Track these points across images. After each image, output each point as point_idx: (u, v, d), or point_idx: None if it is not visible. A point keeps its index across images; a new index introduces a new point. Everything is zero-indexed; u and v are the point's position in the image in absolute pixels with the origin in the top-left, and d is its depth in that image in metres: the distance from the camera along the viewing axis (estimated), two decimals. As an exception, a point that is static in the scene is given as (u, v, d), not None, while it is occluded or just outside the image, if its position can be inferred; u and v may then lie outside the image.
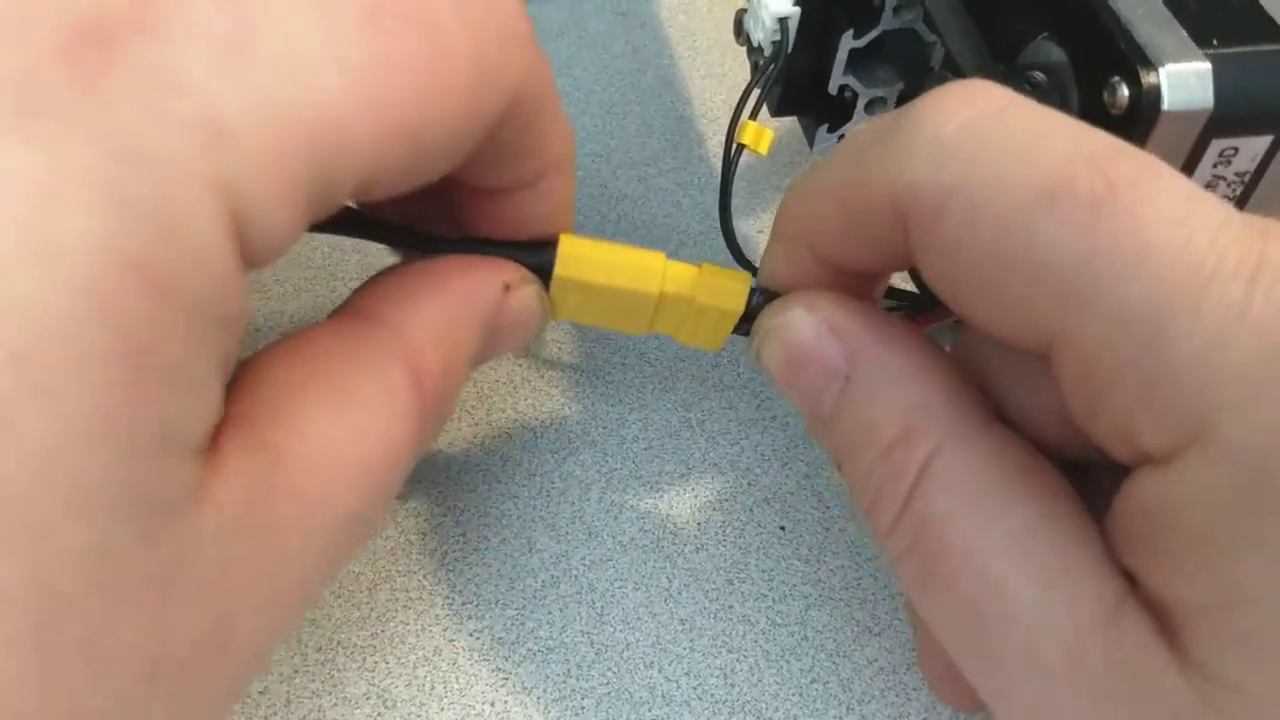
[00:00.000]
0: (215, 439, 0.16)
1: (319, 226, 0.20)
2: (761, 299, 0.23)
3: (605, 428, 0.30)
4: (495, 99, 0.18)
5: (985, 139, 0.17)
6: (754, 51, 0.30)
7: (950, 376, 0.20)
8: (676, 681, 0.26)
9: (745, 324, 0.24)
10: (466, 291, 0.21)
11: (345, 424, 0.18)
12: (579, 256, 0.23)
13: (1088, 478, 0.20)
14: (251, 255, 0.15)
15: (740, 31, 0.30)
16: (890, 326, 0.21)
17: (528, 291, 0.22)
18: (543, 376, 0.31)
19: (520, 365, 0.31)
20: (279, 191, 0.15)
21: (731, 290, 0.23)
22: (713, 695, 0.26)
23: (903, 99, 0.30)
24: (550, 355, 0.32)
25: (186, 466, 0.15)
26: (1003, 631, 0.18)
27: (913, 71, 0.29)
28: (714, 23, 0.42)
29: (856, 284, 0.22)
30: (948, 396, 0.19)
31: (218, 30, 0.14)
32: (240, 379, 0.18)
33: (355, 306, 0.21)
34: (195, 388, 0.15)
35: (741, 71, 0.39)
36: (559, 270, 0.23)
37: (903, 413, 0.19)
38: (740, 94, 0.29)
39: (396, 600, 0.27)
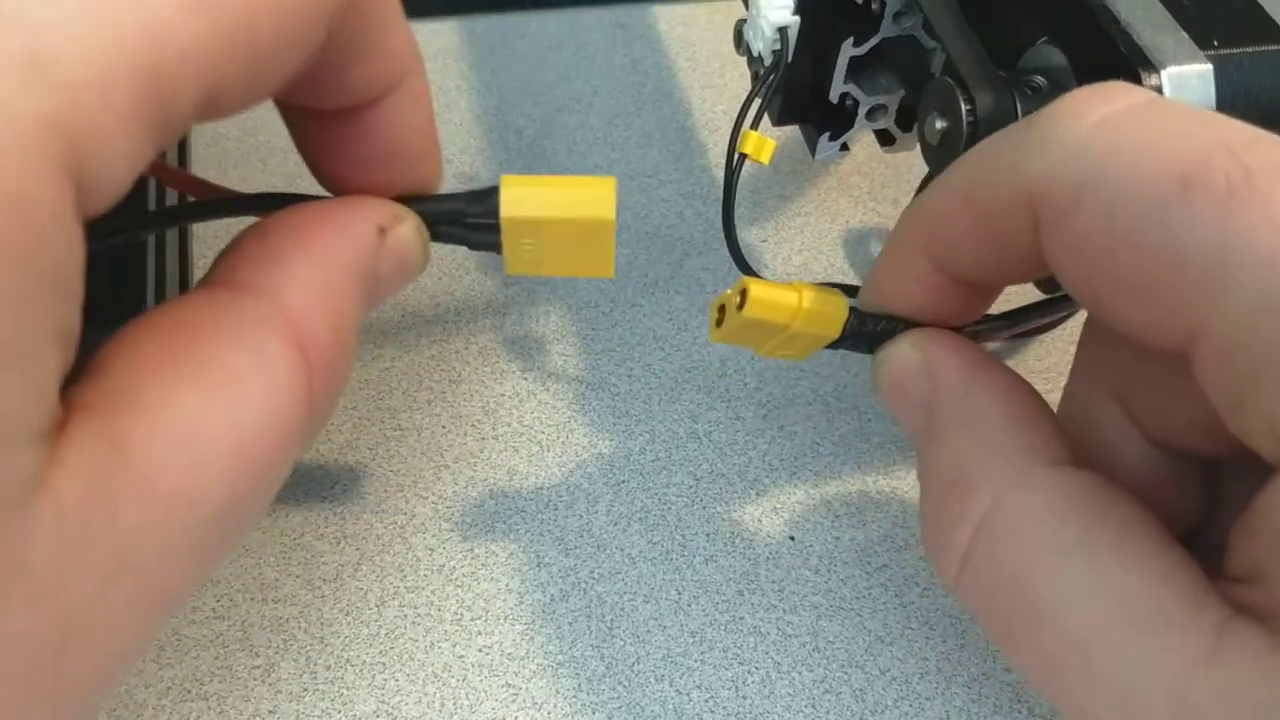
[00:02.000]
0: (63, 426, 0.15)
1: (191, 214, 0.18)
2: (858, 321, 0.23)
3: (612, 440, 0.30)
4: None
5: (1121, 132, 0.17)
6: (754, 61, 0.30)
7: (1026, 419, 0.19)
8: (688, 694, 0.26)
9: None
10: (339, 242, 0.19)
11: (211, 407, 0.16)
12: (524, 195, 0.21)
13: (1219, 476, 0.19)
14: (91, 193, 0.14)
15: (740, 42, 0.30)
16: (981, 370, 0.21)
17: (404, 230, 0.21)
18: (548, 390, 0.31)
19: (526, 379, 0.31)
20: (114, 116, 0.13)
21: (830, 316, 0.23)
22: (725, 708, 0.26)
23: (904, 106, 0.30)
24: (555, 368, 0.32)
25: (20, 453, 0.14)
26: (1096, 686, 0.17)
27: (914, 78, 0.29)
28: (713, 33, 0.42)
29: (968, 301, 0.22)
30: (1017, 442, 0.19)
31: None
32: (97, 360, 0.17)
33: (221, 274, 0.19)
34: (23, 361, 0.13)
35: (742, 82, 0.39)
36: (505, 212, 0.21)
37: (959, 460, 0.19)
38: (741, 104, 0.29)
39: (405, 617, 0.27)
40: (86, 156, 0.13)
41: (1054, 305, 0.25)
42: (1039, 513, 0.18)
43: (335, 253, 0.19)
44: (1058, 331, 0.33)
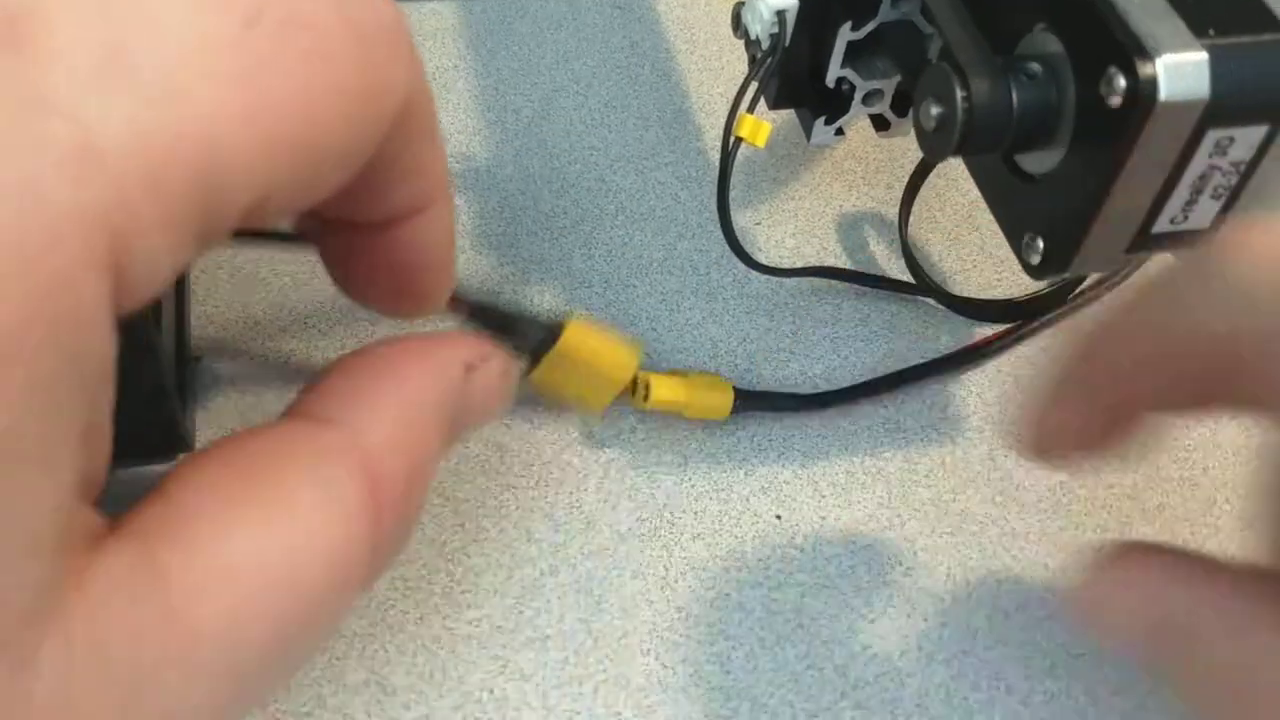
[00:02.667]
0: (99, 546, 0.14)
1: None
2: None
3: (602, 419, 0.30)
4: (385, 104, 0.16)
5: None
6: (752, 45, 0.30)
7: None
8: (673, 669, 0.26)
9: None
10: (425, 380, 0.19)
11: (265, 541, 0.16)
12: (578, 340, 0.27)
13: None
14: (128, 289, 0.14)
15: (738, 25, 0.31)
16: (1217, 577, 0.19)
17: (491, 369, 0.21)
18: (541, 367, 0.31)
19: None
20: (158, 215, 0.13)
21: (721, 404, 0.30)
22: (709, 682, 0.26)
23: (900, 92, 0.30)
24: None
25: (23, 568, 0.13)
26: None
27: (910, 64, 0.29)
28: (711, 16, 0.42)
29: (1119, 432, 0.21)
30: None
31: (90, 44, 0.13)
32: (159, 485, 0.16)
33: (303, 407, 0.18)
34: (43, 459, 0.13)
35: (739, 65, 0.39)
36: (561, 348, 0.26)
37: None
38: (738, 87, 0.29)
39: (395, 589, 0.27)
40: (128, 252, 0.13)
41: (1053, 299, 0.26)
42: None
43: (420, 391, 0.19)
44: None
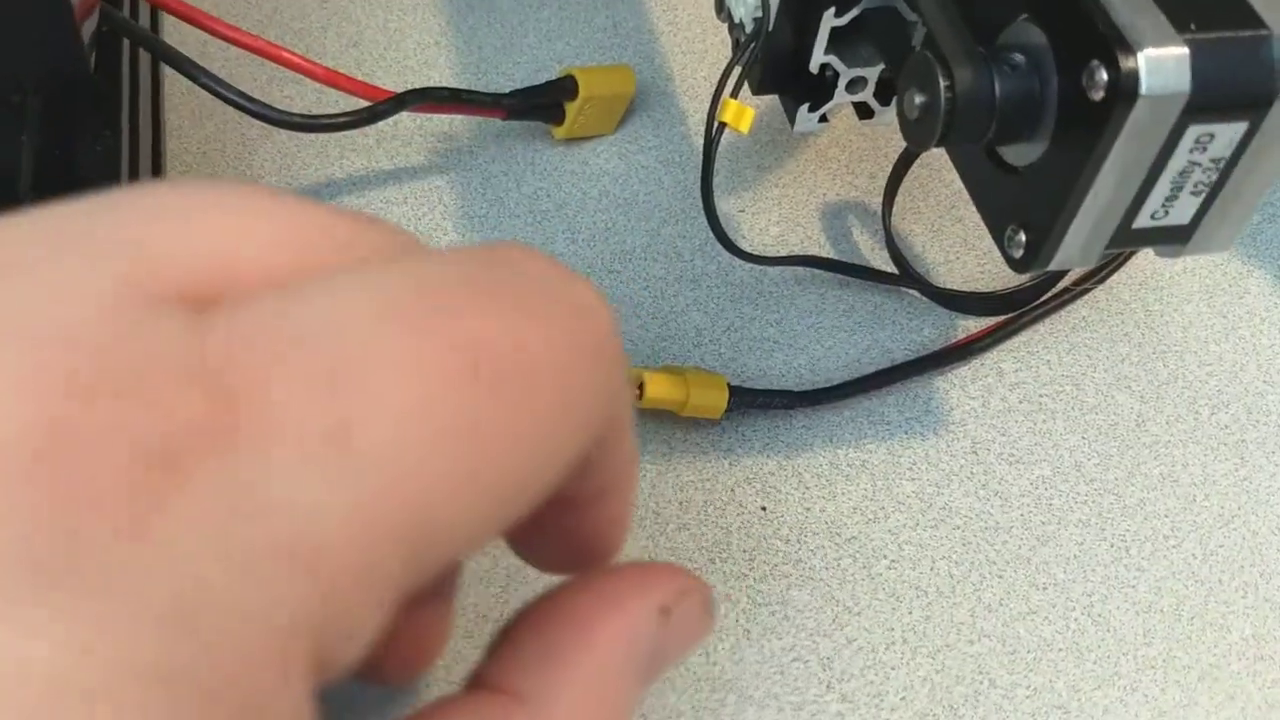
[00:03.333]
0: None
1: None
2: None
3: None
4: (591, 427, 0.15)
5: None
6: (736, 28, 0.30)
7: None
8: (657, 661, 0.26)
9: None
10: (619, 638, 0.17)
11: None
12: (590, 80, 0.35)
13: None
14: (331, 668, 0.13)
15: (721, 7, 0.30)
16: None
17: (689, 606, 0.19)
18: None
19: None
20: (371, 599, 0.12)
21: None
22: (693, 673, 0.26)
23: (883, 80, 0.30)
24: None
25: None
26: None
27: (894, 51, 0.29)
28: (696, -2, 0.41)
29: None
30: None
31: (315, 427, 0.12)
32: None
33: (487, 676, 0.17)
34: None
35: (723, 49, 0.38)
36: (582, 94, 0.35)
37: None
38: (722, 71, 0.29)
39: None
40: (335, 644, 0.12)
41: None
42: None
43: (612, 653, 0.17)
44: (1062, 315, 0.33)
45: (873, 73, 0.30)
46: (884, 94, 0.31)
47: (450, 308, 0.13)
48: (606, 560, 0.20)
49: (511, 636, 0.18)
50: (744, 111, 0.29)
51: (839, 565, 0.28)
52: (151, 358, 0.12)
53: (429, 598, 0.19)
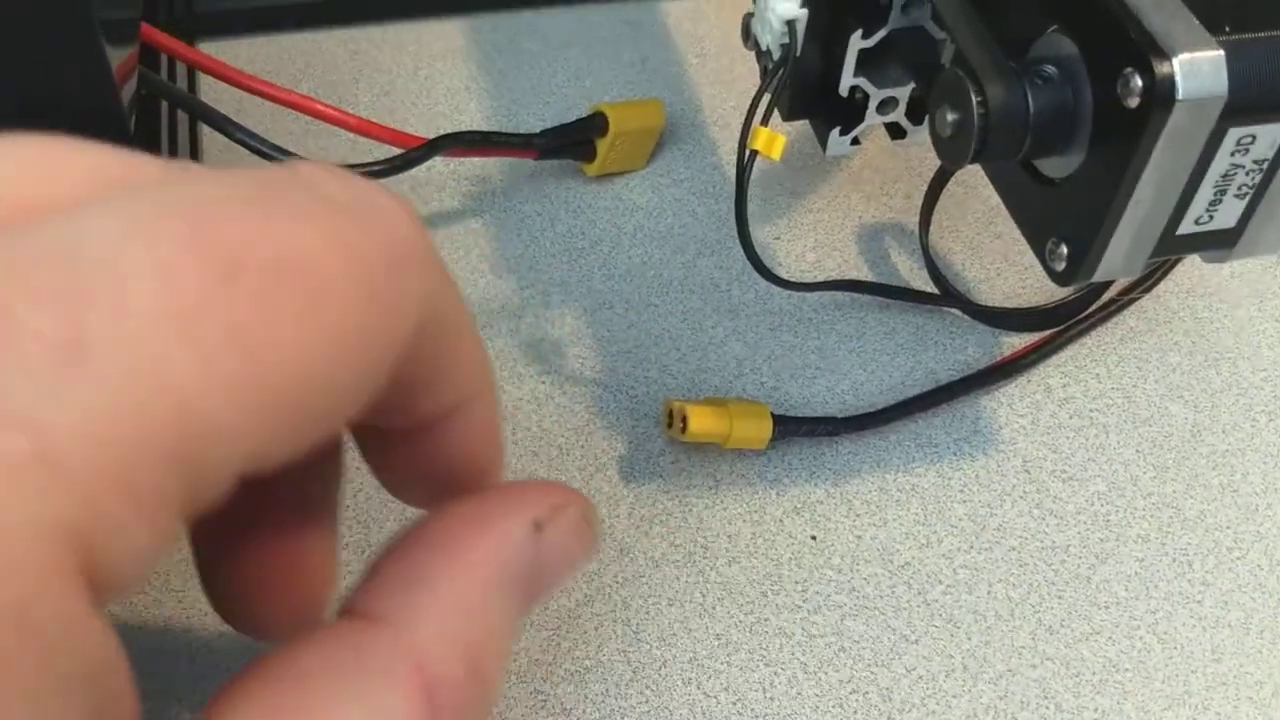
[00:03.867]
0: None
1: None
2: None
3: (632, 442, 0.30)
4: (392, 337, 0.15)
5: None
6: (763, 56, 0.30)
7: None
8: (715, 697, 0.26)
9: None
10: (486, 555, 0.17)
11: None
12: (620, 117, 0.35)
13: None
14: (110, 582, 0.13)
15: (748, 36, 0.30)
16: None
17: (564, 523, 0.19)
18: (566, 393, 0.31)
19: (544, 382, 0.31)
20: (133, 509, 0.12)
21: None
22: (752, 709, 0.26)
23: (914, 99, 0.30)
24: (573, 371, 0.32)
25: None
26: None
27: (924, 70, 0.28)
28: (721, 29, 0.41)
29: None
30: None
31: (47, 337, 0.12)
32: (206, 711, 0.15)
33: (357, 600, 0.17)
34: None
35: (751, 77, 0.38)
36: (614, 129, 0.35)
37: None
38: (750, 99, 0.29)
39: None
40: (104, 553, 0.12)
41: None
42: None
43: (480, 564, 0.17)
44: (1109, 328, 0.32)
45: (903, 92, 0.29)
46: (915, 113, 0.30)
47: (210, 218, 0.13)
48: (485, 485, 0.19)
49: (379, 565, 0.17)
50: (775, 139, 0.28)
51: (893, 593, 0.28)
52: None
53: (296, 533, 0.18)
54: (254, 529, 0.19)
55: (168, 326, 0.12)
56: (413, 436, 0.18)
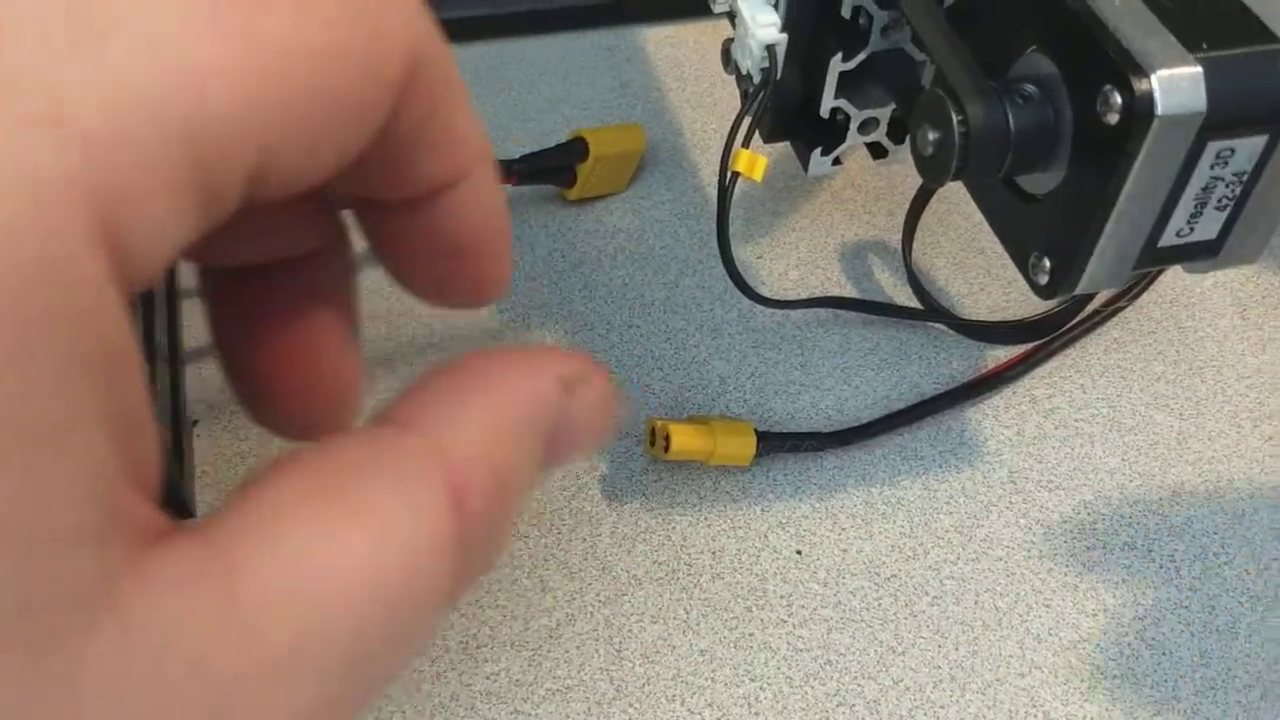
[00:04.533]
0: (157, 544, 0.14)
1: None
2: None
3: (614, 461, 0.30)
4: (388, 64, 0.16)
5: None
6: (743, 79, 0.30)
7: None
8: (700, 713, 0.26)
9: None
10: (518, 390, 0.18)
11: (342, 550, 0.15)
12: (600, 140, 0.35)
13: None
14: (132, 263, 0.13)
15: (728, 61, 0.31)
16: None
17: (592, 389, 0.19)
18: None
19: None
20: (149, 179, 0.13)
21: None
22: (739, 725, 0.26)
23: (895, 119, 0.30)
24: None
25: (66, 556, 0.12)
26: None
27: (904, 91, 0.29)
28: (701, 53, 0.42)
29: None
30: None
31: (59, 7, 0.13)
32: (234, 494, 0.15)
33: (389, 412, 0.18)
34: (61, 446, 0.12)
35: (732, 99, 0.39)
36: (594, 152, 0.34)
37: None
38: (731, 123, 0.29)
39: (415, 646, 0.27)
40: (122, 222, 0.13)
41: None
42: None
43: (512, 397, 0.18)
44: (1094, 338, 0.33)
45: (884, 113, 0.30)
46: (897, 133, 0.31)
47: None
48: (489, 284, 0.20)
49: (413, 385, 0.18)
50: (757, 160, 0.29)
51: (880, 605, 0.28)
52: None
53: (313, 324, 0.19)
54: (271, 319, 0.19)
55: (175, 9, 0.13)
56: (413, 211, 0.19)
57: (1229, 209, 0.21)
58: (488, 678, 0.26)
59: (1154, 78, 0.19)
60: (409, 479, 0.16)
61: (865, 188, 0.37)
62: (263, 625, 0.14)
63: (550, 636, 0.27)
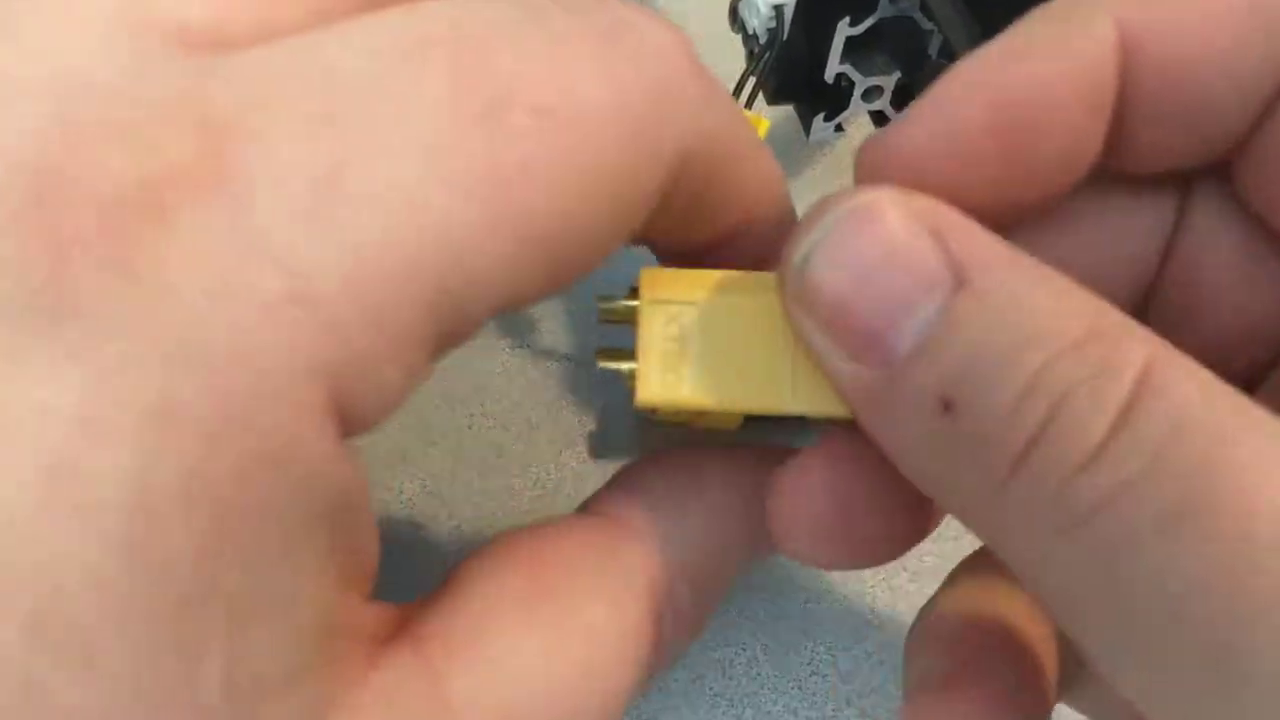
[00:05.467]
0: (377, 653, 0.14)
1: None
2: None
3: (603, 419, 0.30)
4: (650, 176, 0.14)
5: None
6: (749, 39, 0.30)
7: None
8: (673, 675, 0.26)
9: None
10: (735, 490, 0.17)
11: (551, 664, 0.14)
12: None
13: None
14: (360, 420, 0.13)
15: (735, 19, 0.30)
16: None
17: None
18: (538, 366, 0.31)
19: (515, 355, 0.31)
20: (388, 348, 0.12)
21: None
22: (711, 688, 0.26)
23: (900, 88, 0.30)
24: (546, 346, 0.31)
25: (285, 703, 0.12)
26: None
27: (910, 60, 0.28)
28: (708, 11, 0.41)
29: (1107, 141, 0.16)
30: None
31: (307, 171, 0.11)
32: (450, 578, 0.15)
33: (600, 504, 0.17)
34: (287, 611, 0.12)
35: (736, 61, 0.38)
36: None
37: (1075, 311, 0.13)
38: (735, 83, 0.28)
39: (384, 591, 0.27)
40: (354, 393, 0.12)
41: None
42: (1210, 384, 0.12)
43: (726, 498, 0.17)
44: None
45: (889, 81, 0.30)
46: (900, 102, 0.30)
47: (477, 45, 0.12)
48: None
49: (635, 470, 0.17)
50: (759, 123, 0.28)
51: (859, 578, 0.28)
52: (151, 101, 0.11)
53: None
54: None
55: (431, 164, 0.12)
56: (702, 250, 0.18)
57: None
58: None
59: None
60: (624, 594, 0.16)
61: (867, 156, 0.37)
62: None
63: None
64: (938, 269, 0.14)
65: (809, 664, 0.26)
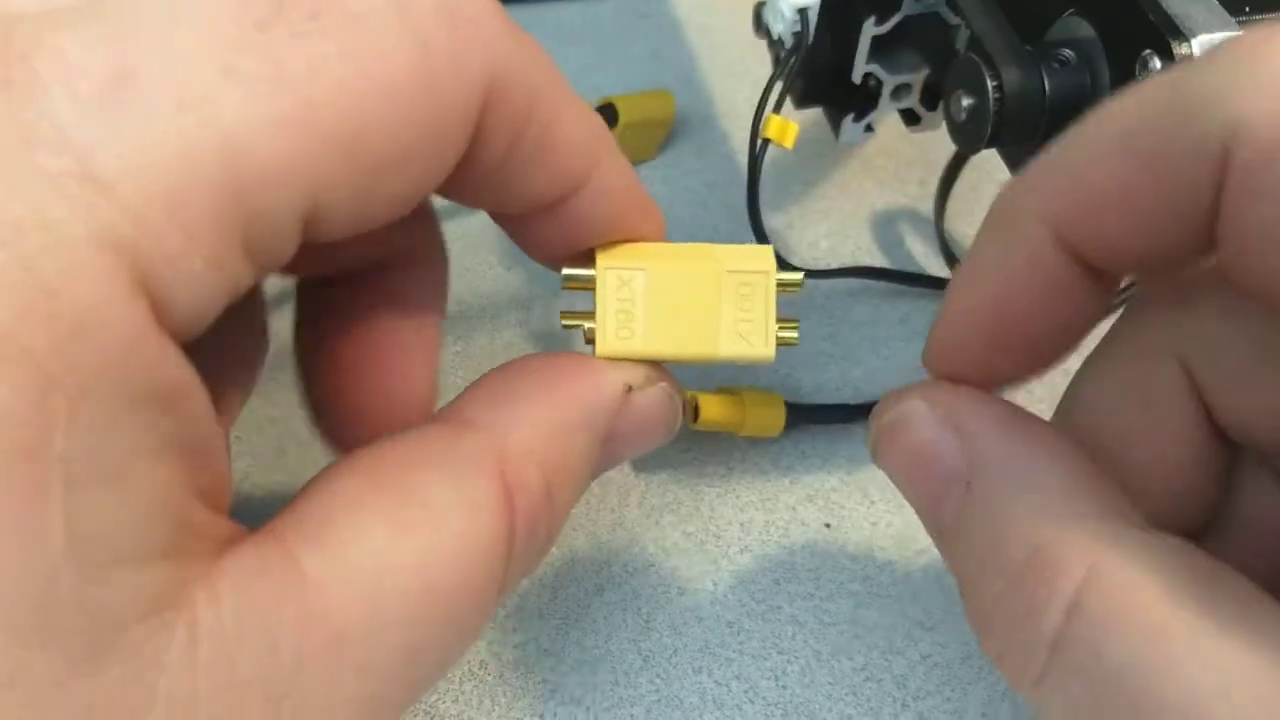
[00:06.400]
0: (227, 549, 0.14)
1: None
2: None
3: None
4: (456, 95, 0.15)
5: None
6: (774, 44, 0.30)
7: (1093, 475, 0.16)
8: (727, 685, 0.26)
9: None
10: (578, 392, 0.18)
11: (401, 544, 0.15)
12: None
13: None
14: (176, 312, 0.13)
15: (759, 25, 0.30)
16: (1020, 422, 0.17)
17: (655, 392, 0.20)
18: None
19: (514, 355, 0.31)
20: (185, 234, 0.13)
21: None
22: (765, 698, 0.26)
23: (928, 85, 0.30)
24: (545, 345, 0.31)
25: (137, 576, 0.13)
26: None
27: (938, 56, 0.28)
28: (732, 18, 0.41)
29: (1082, 295, 0.17)
30: (1098, 503, 0.16)
31: (93, 71, 0.13)
32: (302, 489, 0.16)
33: (452, 409, 0.18)
34: (121, 482, 0.13)
35: (762, 67, 0.38)
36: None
37: (1027, 530, 0.16)
38: (762, 89, 0.28)
39: (442, 615, 0.27)
40: (159, 274, 0.13)
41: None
42: (1147, 589, 0.14)
43: (570, 402, 0.18)
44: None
45: (917, 78, 0.29)
46: (929, 99, 0.30)
47: None
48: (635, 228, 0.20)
49: (480, 380, 0.19)
50: (787, 126, 0.28)
51: (909, 580, 0.27)
52: None
53: (394, 337, 0.19)
54: (359, 326, 0.19)
55: (212, 64, 0.13)
56: (541, 217, 0.19)
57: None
58: (516, 647, 0.26)
59: (1194, 42, 0.19)
60: (466, 477, 0.17)
61: (897, 155, 0.37)
62: (327, 609, 0.14)
63: (579, 607, 0.27)
64: (955, 467, 0.17)
65: (862, 670, 0.26)
